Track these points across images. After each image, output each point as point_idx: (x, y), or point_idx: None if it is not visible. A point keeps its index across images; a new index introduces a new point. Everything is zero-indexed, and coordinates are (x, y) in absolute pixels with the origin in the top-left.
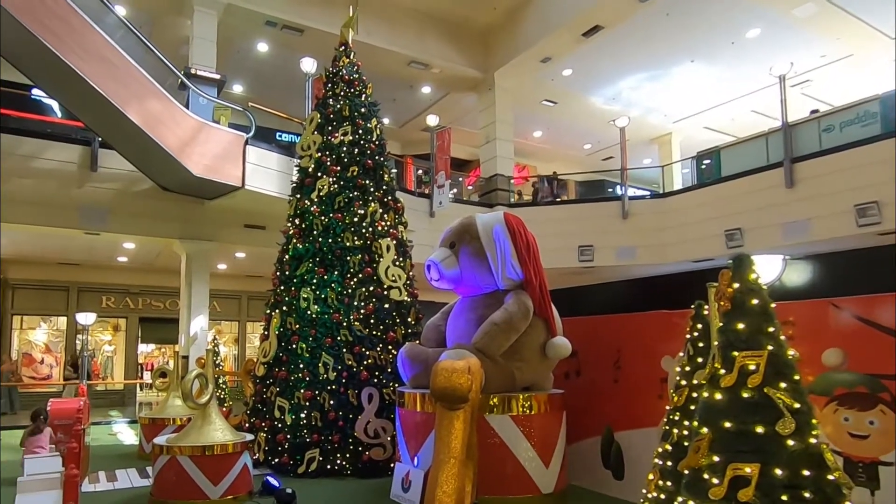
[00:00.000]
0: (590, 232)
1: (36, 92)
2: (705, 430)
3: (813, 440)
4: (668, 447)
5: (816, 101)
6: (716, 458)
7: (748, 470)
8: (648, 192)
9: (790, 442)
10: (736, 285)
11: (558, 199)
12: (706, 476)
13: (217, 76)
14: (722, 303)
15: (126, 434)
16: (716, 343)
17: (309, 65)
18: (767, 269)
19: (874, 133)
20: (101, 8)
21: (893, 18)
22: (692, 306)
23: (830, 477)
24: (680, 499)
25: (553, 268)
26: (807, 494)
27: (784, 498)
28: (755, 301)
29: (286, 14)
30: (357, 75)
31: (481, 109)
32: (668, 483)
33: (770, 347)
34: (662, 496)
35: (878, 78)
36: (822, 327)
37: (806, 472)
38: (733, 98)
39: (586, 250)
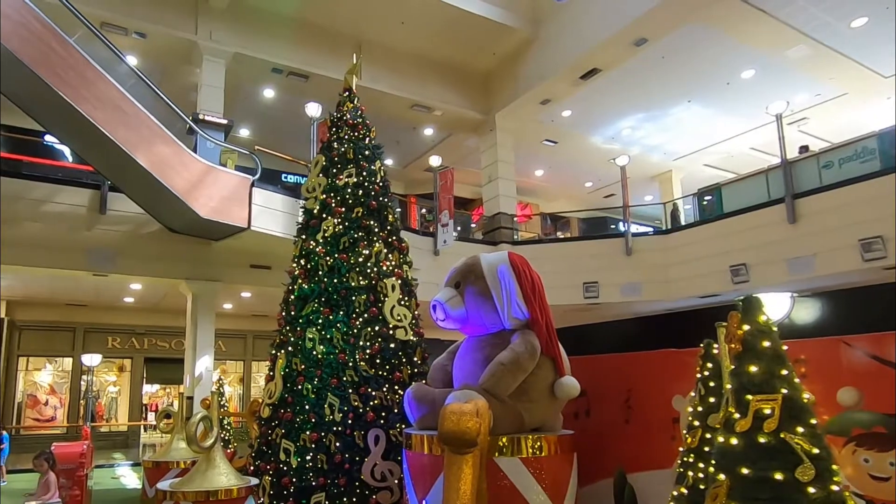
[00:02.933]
0: (594, 269)
1: (48, 138)
2: (722, 476)
3: (835, 487)
4: (684, 490)
5: (814, 138)
6: None
7: None
8: (651, 229)
9: (811, 489)
10: (746, 327)
11: (560, 237)
12: None
13: (224, 121)
14: (733, 345)
15: (129, 478)
16: (728, 386)
17: (314, 109)
18: (776, 306)
19: (874, 169)
20: (113, 58)
21: (891, 57)
22: (701, 345)
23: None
24: None
25: (558, 305)
26: None
27: None
28: (766, 343)
29: (292, 61)
30: (361, 119)
31: (483, 150)
32: None
33: (784, 391)
34: None
35: (873, 115)
36: (834, 366)
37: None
38: (731, 136)
39: (591, 287)
